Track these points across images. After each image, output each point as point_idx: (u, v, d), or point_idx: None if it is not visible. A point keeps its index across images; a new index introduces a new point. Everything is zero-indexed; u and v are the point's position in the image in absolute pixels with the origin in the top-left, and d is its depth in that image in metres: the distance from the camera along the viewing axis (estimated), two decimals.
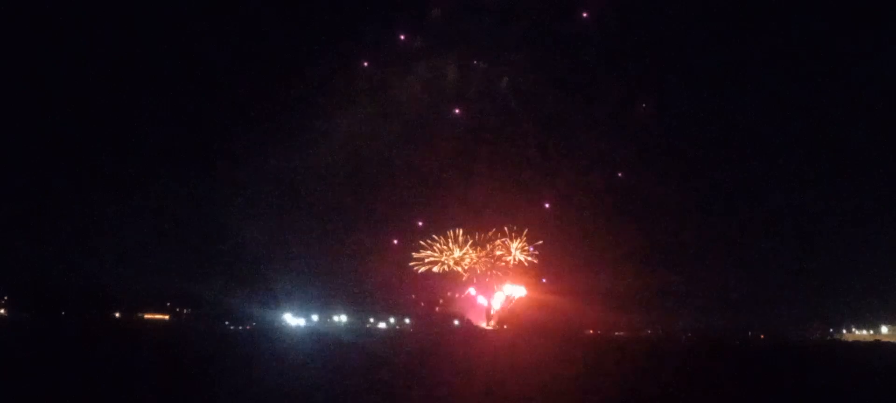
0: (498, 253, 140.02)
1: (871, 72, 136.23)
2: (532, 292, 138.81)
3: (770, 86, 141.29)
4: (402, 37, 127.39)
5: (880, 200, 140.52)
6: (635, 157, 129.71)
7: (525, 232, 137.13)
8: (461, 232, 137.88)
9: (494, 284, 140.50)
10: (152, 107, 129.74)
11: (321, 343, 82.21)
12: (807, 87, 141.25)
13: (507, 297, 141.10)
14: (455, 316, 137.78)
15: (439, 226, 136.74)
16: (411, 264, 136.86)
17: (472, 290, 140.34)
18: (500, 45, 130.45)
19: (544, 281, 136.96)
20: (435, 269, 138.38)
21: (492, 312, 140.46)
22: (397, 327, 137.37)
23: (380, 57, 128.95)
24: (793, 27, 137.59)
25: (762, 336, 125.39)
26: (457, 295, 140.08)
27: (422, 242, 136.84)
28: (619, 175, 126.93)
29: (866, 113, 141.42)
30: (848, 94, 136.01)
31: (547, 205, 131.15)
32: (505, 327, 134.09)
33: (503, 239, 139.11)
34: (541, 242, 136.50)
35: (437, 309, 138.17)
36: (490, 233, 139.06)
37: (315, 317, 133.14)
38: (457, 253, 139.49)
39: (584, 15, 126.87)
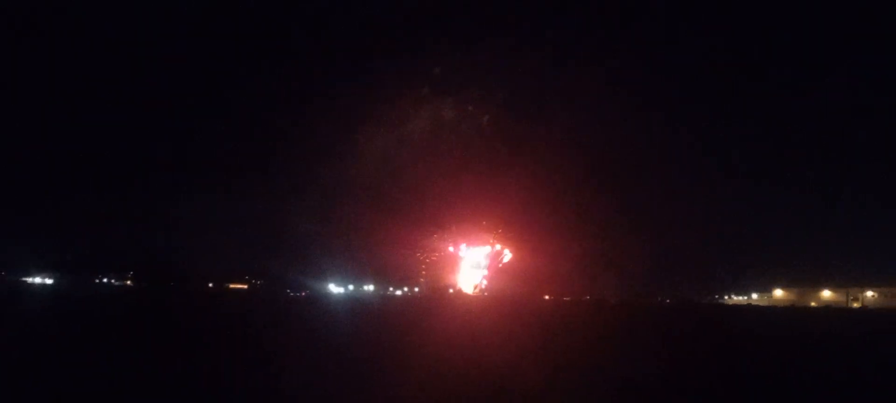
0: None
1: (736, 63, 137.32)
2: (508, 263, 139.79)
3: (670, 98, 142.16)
4: (413, 86, 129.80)
5: (753, 204, 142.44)
6: (578, 173, 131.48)
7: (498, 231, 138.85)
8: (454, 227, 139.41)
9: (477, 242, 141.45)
10: (237, 138, 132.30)
11: (356, 303, 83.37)
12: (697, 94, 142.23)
13: (496, 253, 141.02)
14: (450, 286, 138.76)
15: (438, 222, 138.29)
16: (418, 252, 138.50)
17: (451, 248, 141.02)
18: (483, 89, 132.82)
19: (507, 259, 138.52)
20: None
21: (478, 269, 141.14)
22: (409, 293, 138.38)
23: (397, 101, 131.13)
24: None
25: (668, 300, 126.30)
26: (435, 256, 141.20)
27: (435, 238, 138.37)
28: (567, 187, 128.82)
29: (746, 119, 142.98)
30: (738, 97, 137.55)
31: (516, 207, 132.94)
32: (485, 293, 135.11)
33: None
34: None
35: (422, 273, 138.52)
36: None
37: (351, 286, 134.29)
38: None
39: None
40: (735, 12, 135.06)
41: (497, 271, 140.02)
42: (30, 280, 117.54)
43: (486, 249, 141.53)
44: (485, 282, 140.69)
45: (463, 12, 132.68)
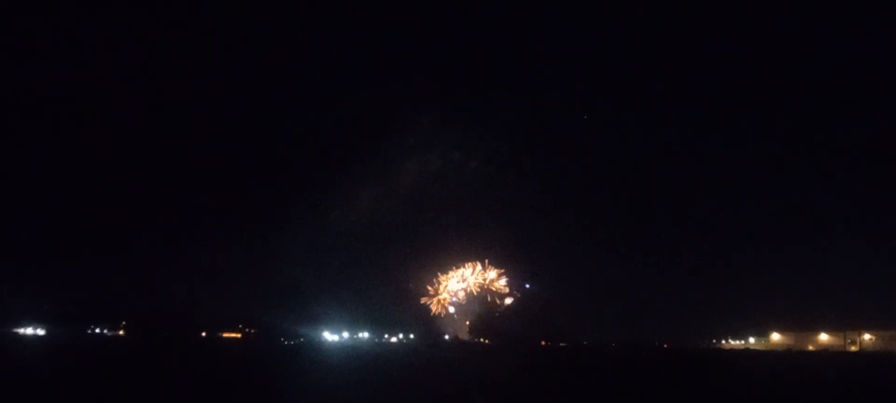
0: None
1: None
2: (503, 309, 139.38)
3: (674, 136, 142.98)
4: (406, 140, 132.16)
5: (750, 248, 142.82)
6: (572, 220, 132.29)
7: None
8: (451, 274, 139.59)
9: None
10: (230, 189, 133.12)
11: (350, 351, 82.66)
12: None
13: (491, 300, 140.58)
14: (444, 333, 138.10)
15: (429, 268, 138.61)
16: (423, 301, 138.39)
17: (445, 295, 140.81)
18: (467, 142, 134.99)
19: (508, 300, 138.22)
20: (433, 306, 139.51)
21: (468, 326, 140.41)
22: (403, 340, 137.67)
23: (388, 157, 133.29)
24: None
25: (665, 345, 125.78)
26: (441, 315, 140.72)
27: (428, 287, 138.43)
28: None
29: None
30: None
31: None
32: (482, 340, 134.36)
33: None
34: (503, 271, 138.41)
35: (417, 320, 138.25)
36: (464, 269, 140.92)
37: (346, 334, 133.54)
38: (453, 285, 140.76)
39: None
40: (722, 48, 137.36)
41: (492, 318, 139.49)
42: (22, 331, 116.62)
43: (481, 295, 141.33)
44: (477, 329, 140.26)
45: (450, 69, 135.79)
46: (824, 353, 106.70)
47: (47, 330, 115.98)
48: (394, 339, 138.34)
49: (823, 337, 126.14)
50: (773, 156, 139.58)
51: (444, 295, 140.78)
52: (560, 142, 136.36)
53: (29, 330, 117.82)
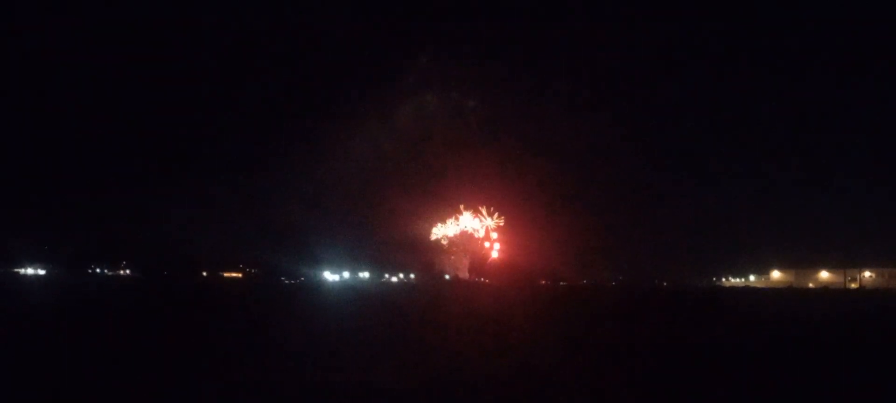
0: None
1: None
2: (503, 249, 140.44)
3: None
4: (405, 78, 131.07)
5: (750, 185, 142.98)
6: (571, 156, 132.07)
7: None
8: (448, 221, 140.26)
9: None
10: (230, 128, 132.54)
11: (350, 290, 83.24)
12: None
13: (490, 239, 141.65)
14: (445, 272, 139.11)
15: (432, 208, 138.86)
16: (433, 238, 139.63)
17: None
18: (467, 80, 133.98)
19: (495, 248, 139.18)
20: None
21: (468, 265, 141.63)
22: (405, 280, 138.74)
23: (388, 92, 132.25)
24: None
25: (665, 283, 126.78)
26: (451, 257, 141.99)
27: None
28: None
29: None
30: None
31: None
32: (483, 280, 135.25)
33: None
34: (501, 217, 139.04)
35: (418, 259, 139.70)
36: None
37: (346, 274, 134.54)
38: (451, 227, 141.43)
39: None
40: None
41: (491, 257, 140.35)
42: (22, 271, 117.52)
43: (480, 236, 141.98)
44: (481, 263, 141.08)
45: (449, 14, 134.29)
46: (825, 290, 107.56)
47: (47, 271, 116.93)
48: (394, 279, 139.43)
49: (824, 275, 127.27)
50: (773, 91, 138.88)
51: (443, 233, 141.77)
52: (559, 82, 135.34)
53: (29, 271, 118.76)
